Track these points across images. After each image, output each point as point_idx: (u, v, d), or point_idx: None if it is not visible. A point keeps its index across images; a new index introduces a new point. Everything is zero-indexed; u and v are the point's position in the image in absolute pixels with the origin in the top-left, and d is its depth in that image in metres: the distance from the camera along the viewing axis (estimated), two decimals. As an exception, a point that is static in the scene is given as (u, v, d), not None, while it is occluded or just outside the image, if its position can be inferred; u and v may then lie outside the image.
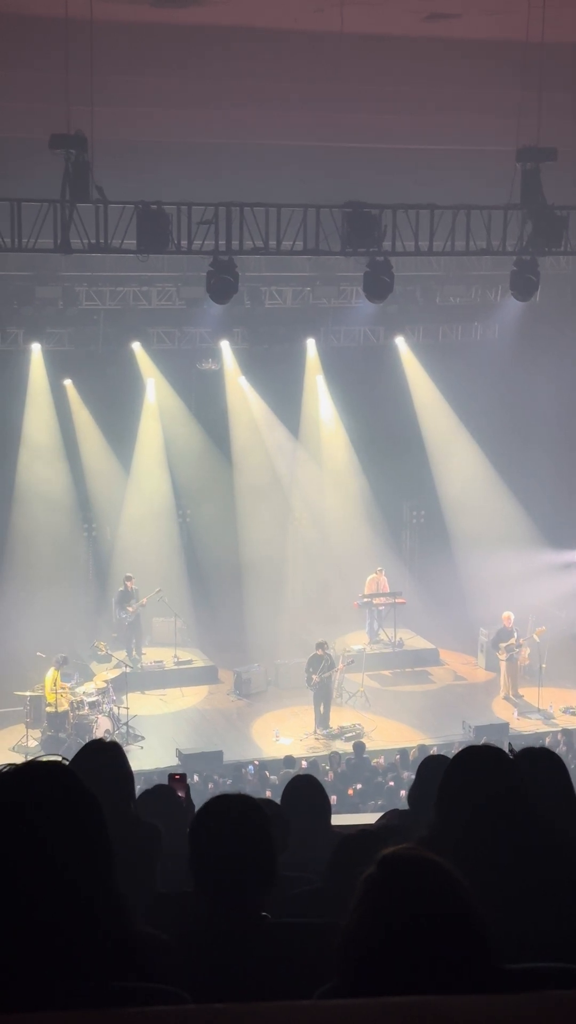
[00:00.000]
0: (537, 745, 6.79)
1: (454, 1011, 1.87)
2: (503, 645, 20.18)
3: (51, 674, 17.95)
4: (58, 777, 2.31)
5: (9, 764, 2.34)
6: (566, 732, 18.07)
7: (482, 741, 15.21)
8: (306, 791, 5.78)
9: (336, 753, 17.20)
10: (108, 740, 5.20)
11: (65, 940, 2.17)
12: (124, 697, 18.57)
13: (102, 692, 18.25)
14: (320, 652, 19.00)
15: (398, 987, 2.08)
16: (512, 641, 20.13)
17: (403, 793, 14.71)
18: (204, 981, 2.87)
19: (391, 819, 5.97)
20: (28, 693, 18.07)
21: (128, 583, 21.20)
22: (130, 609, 21.02)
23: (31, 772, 2.30)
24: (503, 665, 20.37)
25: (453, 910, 2.19)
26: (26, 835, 2.21)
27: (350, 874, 2.32)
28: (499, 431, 22.86)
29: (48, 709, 17.85)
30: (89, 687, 18.44)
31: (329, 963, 2.27)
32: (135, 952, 2.29)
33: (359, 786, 15.89)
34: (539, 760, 4.27)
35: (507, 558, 21.87)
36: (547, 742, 16.82)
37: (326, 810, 5.76)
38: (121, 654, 20.29)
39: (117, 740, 17.76)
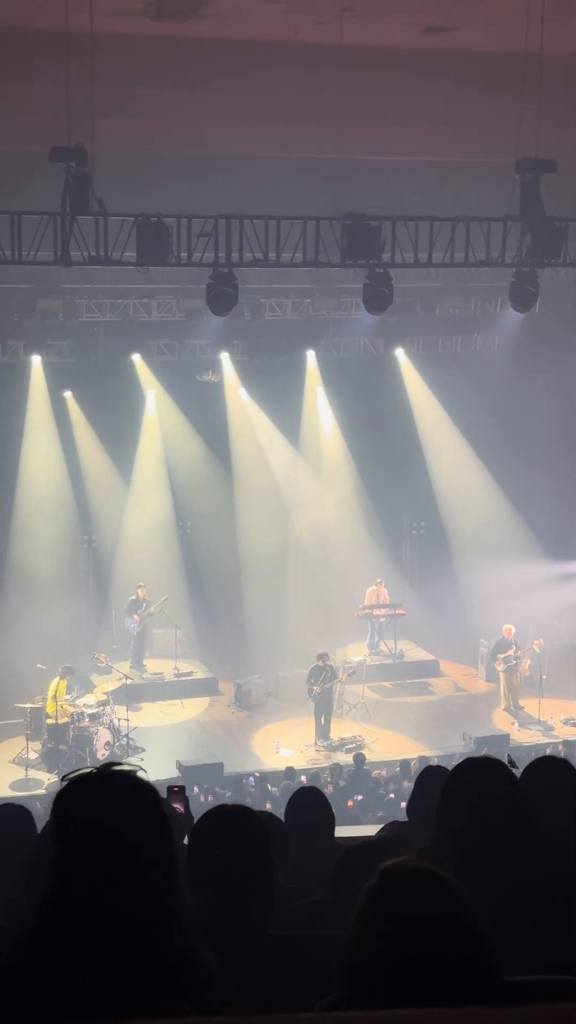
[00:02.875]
0: (539, 756, 6.76)
1: (457, 1023, 1.85)
2: (501, 656, 20.17)
3: (55, 683, 17.93)
4: (146, 791, 2.39)
5: (93, 768, 2.43)
6: (567, 743, 18.05)
7: (483, 752, 15.18)
8: (310, 803, 5.76)
9: (337, 765, 17.17)
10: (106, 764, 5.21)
11: (145, 949, 2.22)
12: (124, 709, 18.54)
13: (102, 704, 18.22)
14: (321, 663, 18.98)
15: (400, 999, 2.07)
16: (510, 652, 20.10)
17: (404, 804, 14.68)
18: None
19: (392, 831, 5.95)
20: (28, 705, 18.04)
21: (139, 591, 21.20)
22: (135, 618, 21.03)
23: (124, 781, 2.39)
24: (502, 677, 20.35)
25: (455, 922, 2.18)
26: (117, 839, 2.29)
27: (354, 886, 2.31)
28: (499, 442, 22.87)
29: (48, 721, 17.83)
30: (89, 699, 18.41)
31: (331, 975, 2.26)
32: (193, 971, 2.33)
33: (360, 798, 15.86)
34: (550, 770, 4.27)
35: (507, 569, 21.87)
36: (547, 753, 16.78)
37: (330, 822, 5.75)
38: (123, 666, 20.28)
39: (117, 752, 17.75)
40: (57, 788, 2.45)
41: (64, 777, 2.45)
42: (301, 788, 6.18)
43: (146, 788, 2.39)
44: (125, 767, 2.44)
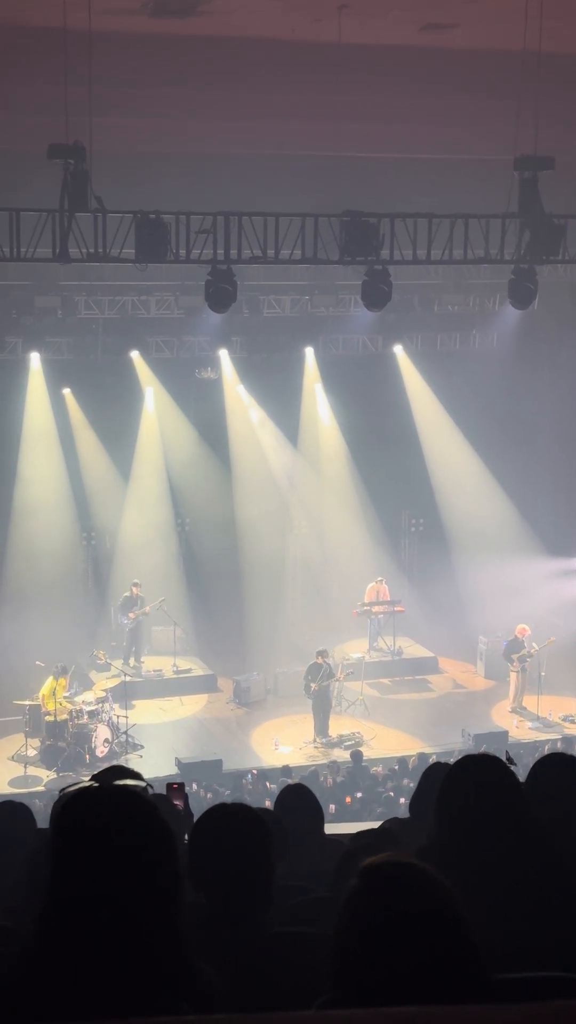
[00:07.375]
0: (544, 753, 6.76)
1: (449, 1021, 1.87)
2: (515, 656, 19.99)
3: (49, 683, 17.93)
4: (145, 806, 2.40)
5: (91, 782, 2.45)
6: (565, 740, 18.06)
7: (481, 749, 15.20)
8: (298, 800, 5.78)
9: (335, 762, 17.19)
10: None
11: (144, 964, 2.23)
12: (124, 706, 18.56)
13: (101, 701, 18.23)
14: (319, 660, 18.98)
15: (389, 997, 2.07)
16: (524, 652, 19.97)
17: (403, 801, 14.70)
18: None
19: (391, 826, 5.97)
20: (27, 702, 18.05)
21: (134, 589, 21.20)
22: (131, 615, 21.03)
23: (123, 796, 2.40)
24: (513, 676, 20.17)
25: (438, 917, 2.17)
26: (118, 855, 2.30)
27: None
28: (498, 439, 22.86)
29: (47, 718, 17.83)
30: (88, 696, 18.42)
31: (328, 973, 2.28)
32: (193, 984, 2.35)
33: (359, 794, 15.87)
34: (558, 763, 4.29)
35: (506, 566, 21.86)
36: (546, 750, 16.79)
37: (319, 818, 5.77)
38: (121, 664, 20.30)
39: (116, 749, 17.73)
40: (57, 803, 2.47)
41: (62, 792, 2.46)
42: (288, 785, 6.20)
43: (145, 804, 2.40)
44: (128, 781, 2.45)
